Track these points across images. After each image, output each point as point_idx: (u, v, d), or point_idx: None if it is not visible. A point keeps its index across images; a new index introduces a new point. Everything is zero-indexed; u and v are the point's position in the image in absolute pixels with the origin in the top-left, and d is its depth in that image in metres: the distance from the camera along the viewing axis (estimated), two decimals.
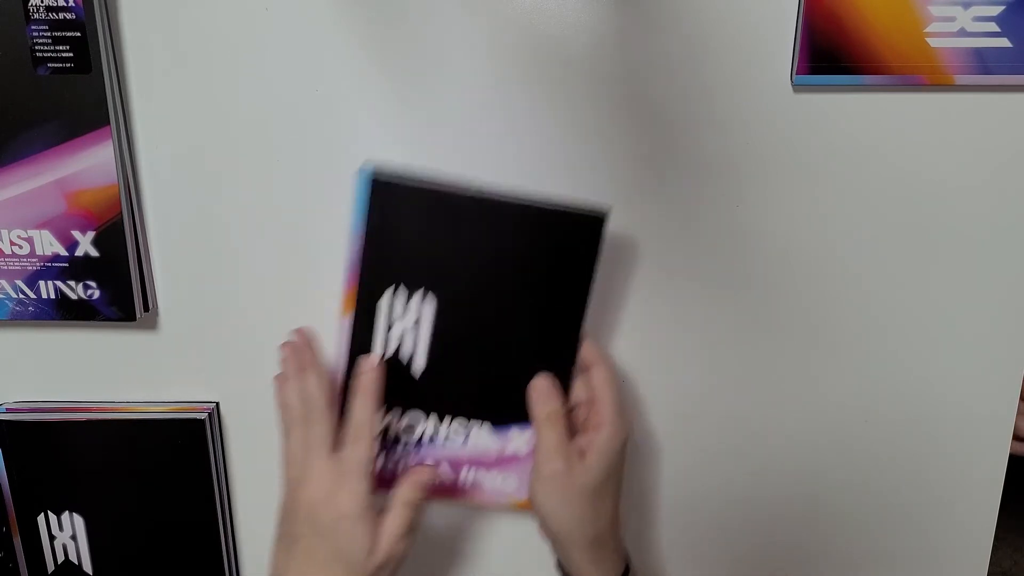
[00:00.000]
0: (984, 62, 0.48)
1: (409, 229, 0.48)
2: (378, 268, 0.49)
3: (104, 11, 0.48)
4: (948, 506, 0.59)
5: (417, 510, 0.49)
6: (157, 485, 0.57)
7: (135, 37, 0.50)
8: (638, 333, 0.56)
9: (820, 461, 0.59)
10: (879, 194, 0.52)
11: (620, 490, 0.51)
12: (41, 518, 0.57)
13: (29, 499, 0.57)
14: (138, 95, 0.51)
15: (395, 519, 0.48)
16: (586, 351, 0.51)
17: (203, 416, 0.56)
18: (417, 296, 0.49)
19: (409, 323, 0.50)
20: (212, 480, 0.57)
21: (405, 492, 0.49)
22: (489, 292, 0.49)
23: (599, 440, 0.49)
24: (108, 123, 0.49)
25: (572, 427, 0.51)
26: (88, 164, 0.50)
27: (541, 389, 0.50)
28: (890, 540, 0.61)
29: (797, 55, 0.48)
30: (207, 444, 0.56)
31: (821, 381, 0.57)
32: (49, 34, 0.47)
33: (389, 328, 0.50)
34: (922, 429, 0.58)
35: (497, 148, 0.52)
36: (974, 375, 0.56)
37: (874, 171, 0.52)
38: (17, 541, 0.58)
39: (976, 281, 0.54)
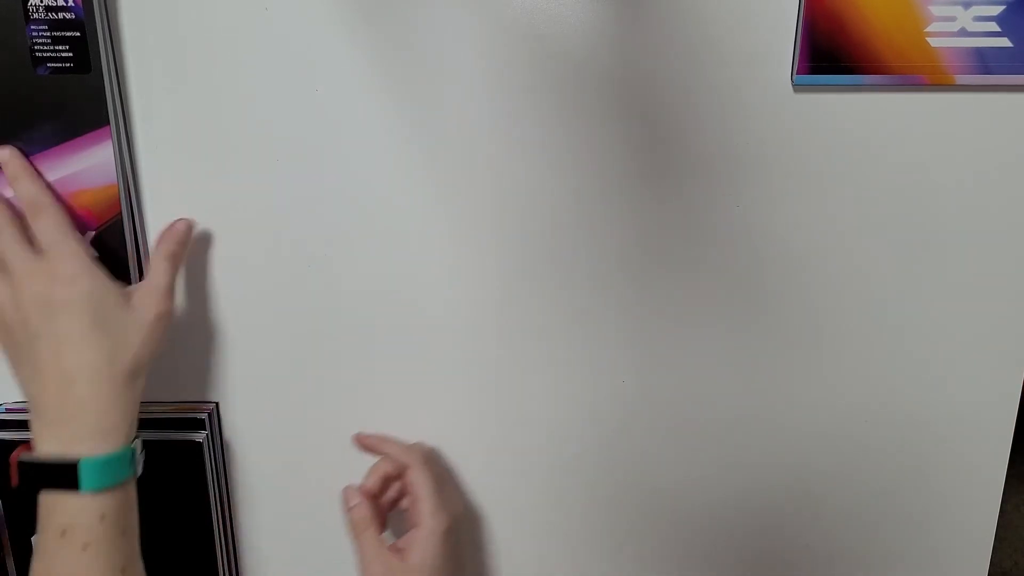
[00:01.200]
0: (985, 62, 0.48)
1: None
2: (21, 517, 0.56)
3: (104, 11, 0.48)
4: (948, 506, 0.59)
5: (176, 265, 0.51)
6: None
7: (134, 37, 0.50)
8: (638, 334, 0.56)
9: (821, 461, 0.59)
10: (879, 194, 0.52)
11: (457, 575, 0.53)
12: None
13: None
14: (138, 95, 0.51)
15: (157, 274, 0.49)
16: (400, 454, 0.55)
17: (203, 416, 0.56)
18: None
19: None
20: (210, 482, 0.56)
21: (164, 247, 0.50)
22: None
23: (418, 538, 0.51)
24: (108, 123, 0.49)
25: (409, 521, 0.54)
26: (88, 164, 0.50)
27: (344, 497, 0.54)
28: (890, 540, 0.61)
29: (797, 55, 0.48)
30: (207, 444, 0.56)
31: (821, 380, 0.57)
32: (49, 34, 0.47)
33: None
34: (922, 429, 0.58)
35: (497, 148, 0.52)
36: (974, 375, 0.56)
37: (875, 171, 0.52)
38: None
39: (977, 281, 0.54)
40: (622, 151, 0.52)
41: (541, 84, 0.50)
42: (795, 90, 0.50)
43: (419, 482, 0.53)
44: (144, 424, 0.55)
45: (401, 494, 0.57)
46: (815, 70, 0.49)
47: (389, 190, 0.53)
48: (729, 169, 0.52)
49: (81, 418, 0.45)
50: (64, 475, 0.45)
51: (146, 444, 0.55)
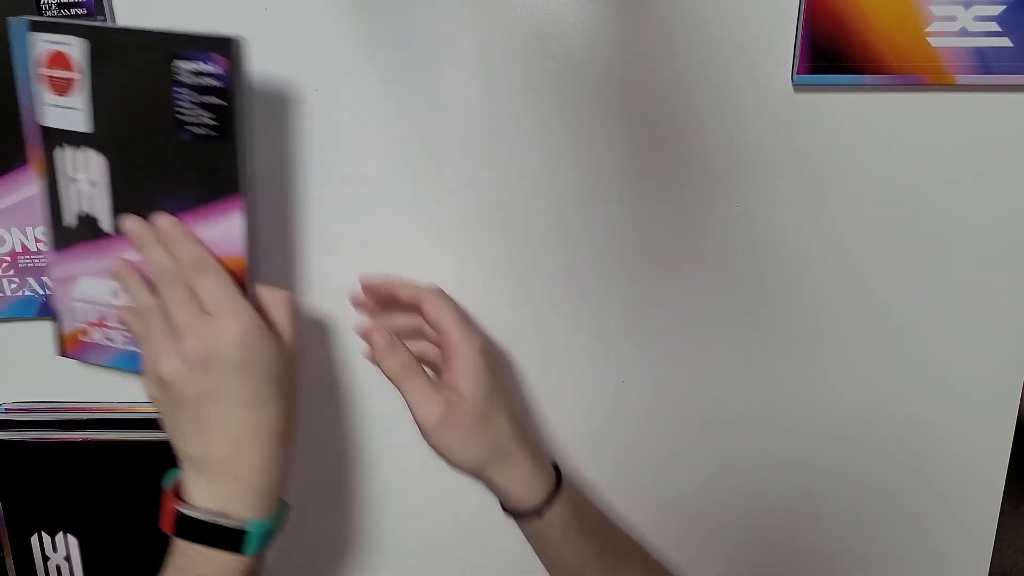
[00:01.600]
0: (985, 62, 0.48)
1: (36, 481, 0.55)
2: (21, 516, 0.56)
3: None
4: (949, 506, 0.59)
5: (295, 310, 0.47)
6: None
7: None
8: (637, 333, 0.56)
9: (821, 461, 0.59)
10: (880, 194, 0.52)
11: (507, 400, 0.51)
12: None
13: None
14: None
15: (287, 329, 0.46)
16: (407, 292, 0.51)
17: None
18: (59, 536, 0.56)
19: (60, 559, 0.57)
20: None
21: (280, 297, 0.47)
22: (121, 522, 0.56)
23: (461, 366, 0.49)
24: (239, 191, 0.46)
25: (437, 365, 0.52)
26: (216, 232, 0.47)
27: (379, 344, 0.49)
28: (890, 540, 0.60)
29: (798, 55, 0.48)
30: None
31: (822, 381, 0.57)
32: (195, 99, 0.45)
33: (46, 560, 0.57)
34: (923, 429, 0.58)
35: (497, 148, 0.52)
36: (975, 375, 0.56)
37: (875, 171, 0.52)
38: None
39: (977, 281, 0.54)
40: (622, 151, 0.52)
41: (541, 84, 0.50)
42: (795, 90, 0.50)
43: (441, 311, 0.50)
44: (144, 424, 0.55)
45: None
46: (815, 70, 0.49)
47: (389, 190, 0.53)
48: (729, 169, 0.52)
49: (249, 481, 0.44)
50: (229, 538, 0.43)
51: (146, 444, 0.55)
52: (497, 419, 0.50)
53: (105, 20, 0.48)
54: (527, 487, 0.51)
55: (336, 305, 0.55)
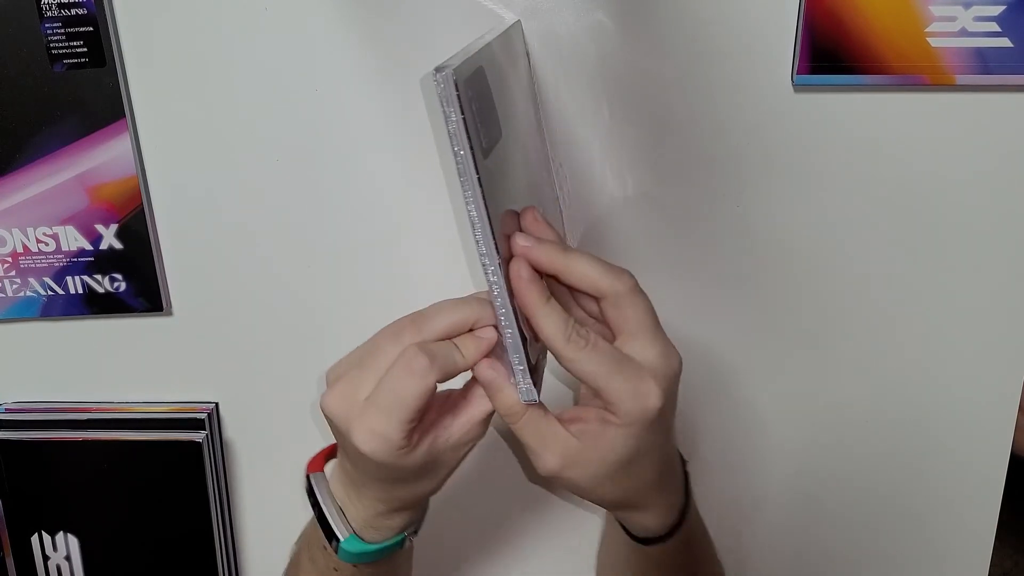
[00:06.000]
0: (985, 62, 0.48)
1: (38, 481, 0.56)
2: (21, 516, 0.57)
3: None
4: (948, 506, 0.59)
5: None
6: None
7: (136, 33, 0.50)
8: None
9: (820, 461, 0.59)
10: (880, 194, 0.52)
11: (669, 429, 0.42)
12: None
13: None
14: (142, 91, 0.51)
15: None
16: (585, 277, 0.39)
17: (203, 416, 0.56)
18: (60, 536, 0.57)
19: (60, 558, 0.58)
20: (210, 485, 0.56)
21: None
22: (121, 522, 0.57)
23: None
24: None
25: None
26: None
27: (483, 374, 0.40)
28: (890, 540, 0.61)
29: (798, 55, 0.48)
30: (206, 444, 0.56)
31: (821, 381, 0.57)
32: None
33: (46, 560, 0.58)
34: (923, 429, 0.58)
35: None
36: (975, 375, 0.56)
37: (875, 171, 0.52)
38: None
39: (977, 281, 0.54)
40: (621, 151, 0.52)
41: (541, 84, 0.50)
42: (795, 90, 0.50)
43: (632, 316, 0.39)
44: (144, 424, 0.56)
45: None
46: (815, 70, 0.49)
47: (389, 189, 0.53)
48: (729, 169, 0.52)
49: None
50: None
51: (146, 444, 0.55)
52: (644, 462, 0.40)
53: (106, 19, 0.48)
54: (641, 528, 0.45)
55: (335, 306, 0.55)
